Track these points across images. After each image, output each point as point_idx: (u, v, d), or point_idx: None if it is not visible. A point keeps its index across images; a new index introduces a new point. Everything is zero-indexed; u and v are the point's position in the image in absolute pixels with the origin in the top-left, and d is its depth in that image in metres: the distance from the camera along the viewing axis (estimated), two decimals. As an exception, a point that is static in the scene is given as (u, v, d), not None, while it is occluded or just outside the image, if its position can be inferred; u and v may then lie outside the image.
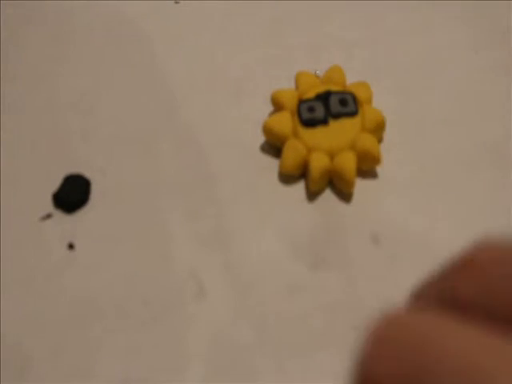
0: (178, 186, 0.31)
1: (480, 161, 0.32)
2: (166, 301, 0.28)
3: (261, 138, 0.32)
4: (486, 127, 0.33)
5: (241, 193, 0.31)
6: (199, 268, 0.29)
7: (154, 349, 0.27)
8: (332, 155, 0.30)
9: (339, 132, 0.31)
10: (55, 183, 0.31)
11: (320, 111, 0.31)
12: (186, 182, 0.31)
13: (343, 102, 0.31)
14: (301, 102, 0.32)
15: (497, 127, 0.33)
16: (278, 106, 0.32)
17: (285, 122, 0.31)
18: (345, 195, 0.31)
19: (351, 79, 0.33)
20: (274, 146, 0.32)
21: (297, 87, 0.33)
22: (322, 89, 0.32)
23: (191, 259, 0.29)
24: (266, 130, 0.32)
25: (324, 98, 0.31)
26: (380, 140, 0.32)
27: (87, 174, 0.31)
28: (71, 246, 0.30)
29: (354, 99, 0.31)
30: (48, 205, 0.31)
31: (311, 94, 0.32)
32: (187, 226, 0.30)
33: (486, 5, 0.38)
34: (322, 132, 0.31)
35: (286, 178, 0.31)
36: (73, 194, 0.31)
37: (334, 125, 0.31)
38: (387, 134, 0.32)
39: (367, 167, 0.31)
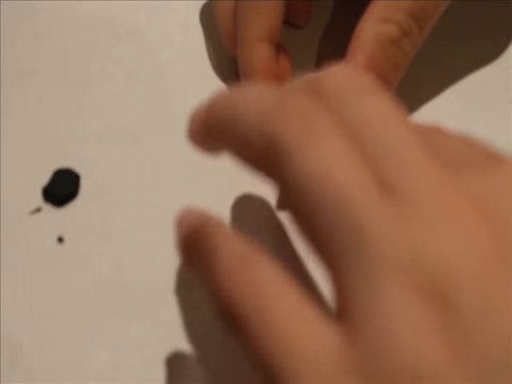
0: (167, 179, 0.31)
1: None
2: (156, 293, 0.28)
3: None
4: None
5: (234, 186, 0.31)
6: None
7: (144, 341, 0.27)
8: None
9: None
10: (45, 177, 0.31)
11: None
12: (175, 175, 0.31)
13: None
14: None
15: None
16: None
17: None
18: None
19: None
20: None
21: None
22: None
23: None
24: None
25: None
26: None
27: (77, 168, 0.31)
28: (60, 240, 0.30)
29: None
30: (37, 199, 0.31)
31: None
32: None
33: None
34: None
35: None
36: (62, 188, 0.31)
37: None
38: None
39: None
